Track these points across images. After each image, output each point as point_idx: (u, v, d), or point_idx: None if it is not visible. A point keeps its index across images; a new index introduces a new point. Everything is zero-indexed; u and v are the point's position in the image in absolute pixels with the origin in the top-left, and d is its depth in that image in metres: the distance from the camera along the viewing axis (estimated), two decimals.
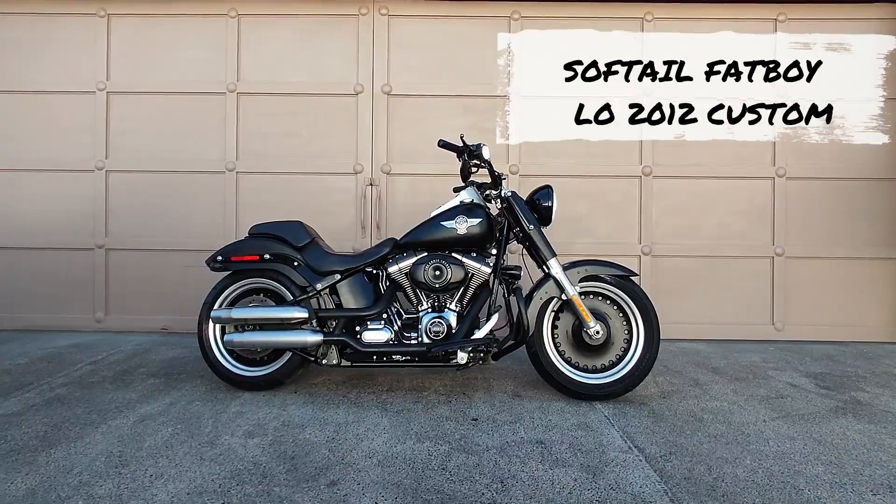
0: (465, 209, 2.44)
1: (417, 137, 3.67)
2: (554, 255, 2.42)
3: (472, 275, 2.42)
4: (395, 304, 2.50)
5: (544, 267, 2.43)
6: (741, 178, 3.67)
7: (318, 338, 2.34)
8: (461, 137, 2.52)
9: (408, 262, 2.45)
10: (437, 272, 2.38)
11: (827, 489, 1.64)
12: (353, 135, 3.68)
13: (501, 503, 1.54)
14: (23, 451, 1.84)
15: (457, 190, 2.66)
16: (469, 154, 2.46)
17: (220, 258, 2.49)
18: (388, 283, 2.50)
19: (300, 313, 2.37)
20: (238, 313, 2.38)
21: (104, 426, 2.06)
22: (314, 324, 2.39)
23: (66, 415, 2.18)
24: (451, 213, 2.43)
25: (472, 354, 2.31)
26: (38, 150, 3.67)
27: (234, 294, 2.53)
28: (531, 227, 2.42)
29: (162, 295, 3.65)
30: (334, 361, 2.40)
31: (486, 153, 2.42)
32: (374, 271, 2.53)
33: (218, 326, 2.49)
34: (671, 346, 3.44)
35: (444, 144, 2.48)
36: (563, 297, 2.39)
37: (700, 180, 3.67)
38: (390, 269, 2.46)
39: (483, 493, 1.59)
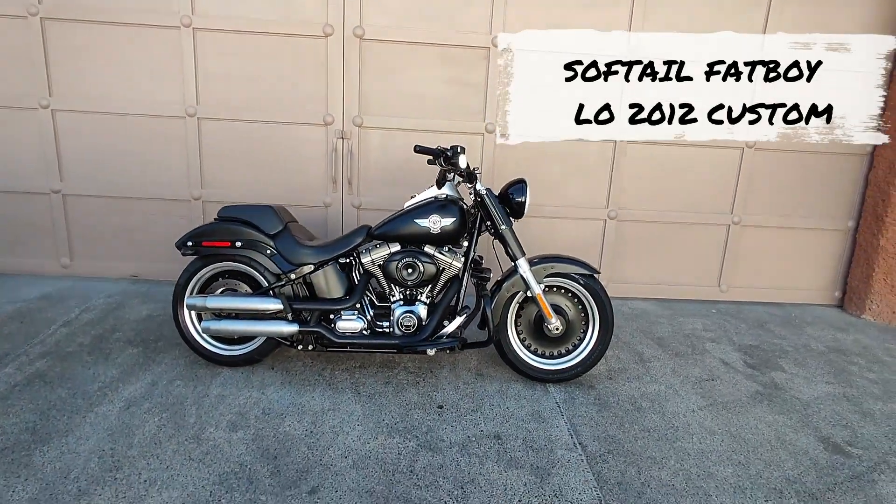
0: (440, 206, 2.45)
1: (392, 88, 3.48)
2: (523, 254, 2.51)
3: (444, 269, 2.51)
4: (367, 293, 2.59)
5: (513, 263, 2.53)
6: (710, 146, 3.70)
7: (294, 328, 2.44)
8: (438, 146, 2.48)
9: (381, 255, 2.50)
10: (410, 270, 2.45)
11: (730, 495, 1.96)
12: (324, 82, 3.45)
13: None
14: (16, 450, 1.96)
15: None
16: (445, 159, 2.41)
17: (190, 243, 2.47)
18: (361, 271, 2.57)
19: (275, 304, 2.44)
20: (213, 302, 2.43)
21: (91, 415, 2.19)
22: (289, 317, 2.47)
23: (50, 398, 2.28)
24: (425, 211, 2.44)
25: (439, 349, 2.48)
26: None
27: (207, 276, 2.56)
28: (503, 226, 2.47)
29: (128, 241, 3.59)
30: (310, 348, 2.53)
31: (462, 162, 2.37)
32: (347, 259, 2.58)
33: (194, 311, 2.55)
34: (625, 307, 3.71)
35: (420, 150, 2.41)
36: (529, 293, 2.53)
37: (668, 147, 3.69)
38: (363, 260, 2.52)
39: (446, 502, 1.84)
